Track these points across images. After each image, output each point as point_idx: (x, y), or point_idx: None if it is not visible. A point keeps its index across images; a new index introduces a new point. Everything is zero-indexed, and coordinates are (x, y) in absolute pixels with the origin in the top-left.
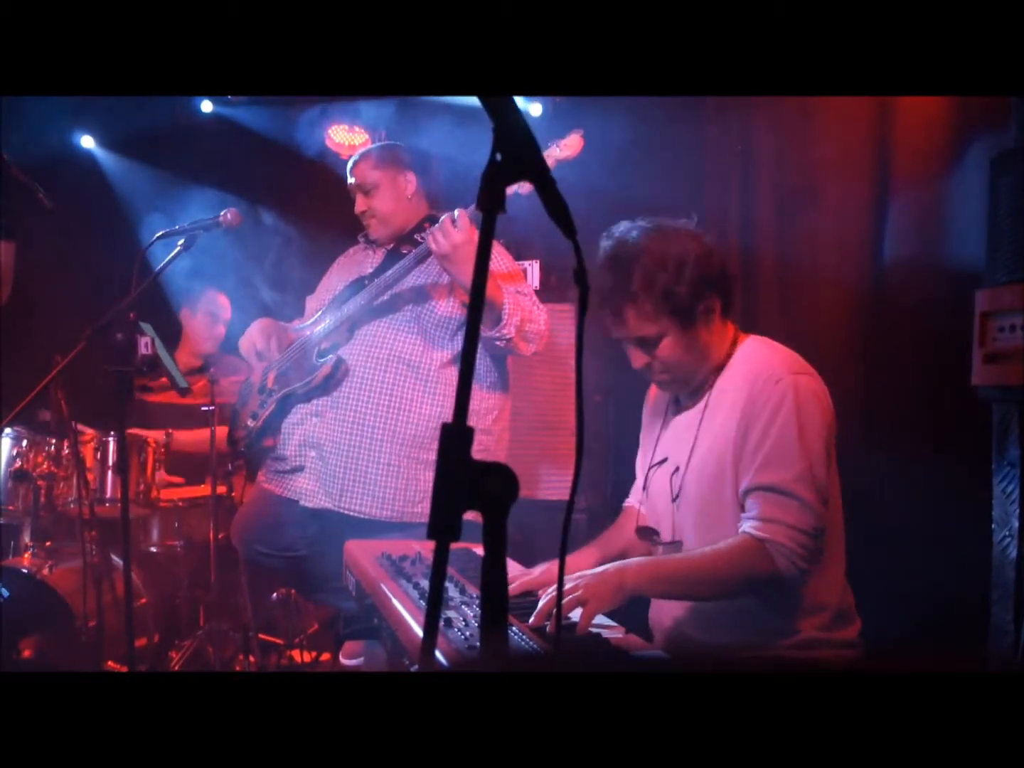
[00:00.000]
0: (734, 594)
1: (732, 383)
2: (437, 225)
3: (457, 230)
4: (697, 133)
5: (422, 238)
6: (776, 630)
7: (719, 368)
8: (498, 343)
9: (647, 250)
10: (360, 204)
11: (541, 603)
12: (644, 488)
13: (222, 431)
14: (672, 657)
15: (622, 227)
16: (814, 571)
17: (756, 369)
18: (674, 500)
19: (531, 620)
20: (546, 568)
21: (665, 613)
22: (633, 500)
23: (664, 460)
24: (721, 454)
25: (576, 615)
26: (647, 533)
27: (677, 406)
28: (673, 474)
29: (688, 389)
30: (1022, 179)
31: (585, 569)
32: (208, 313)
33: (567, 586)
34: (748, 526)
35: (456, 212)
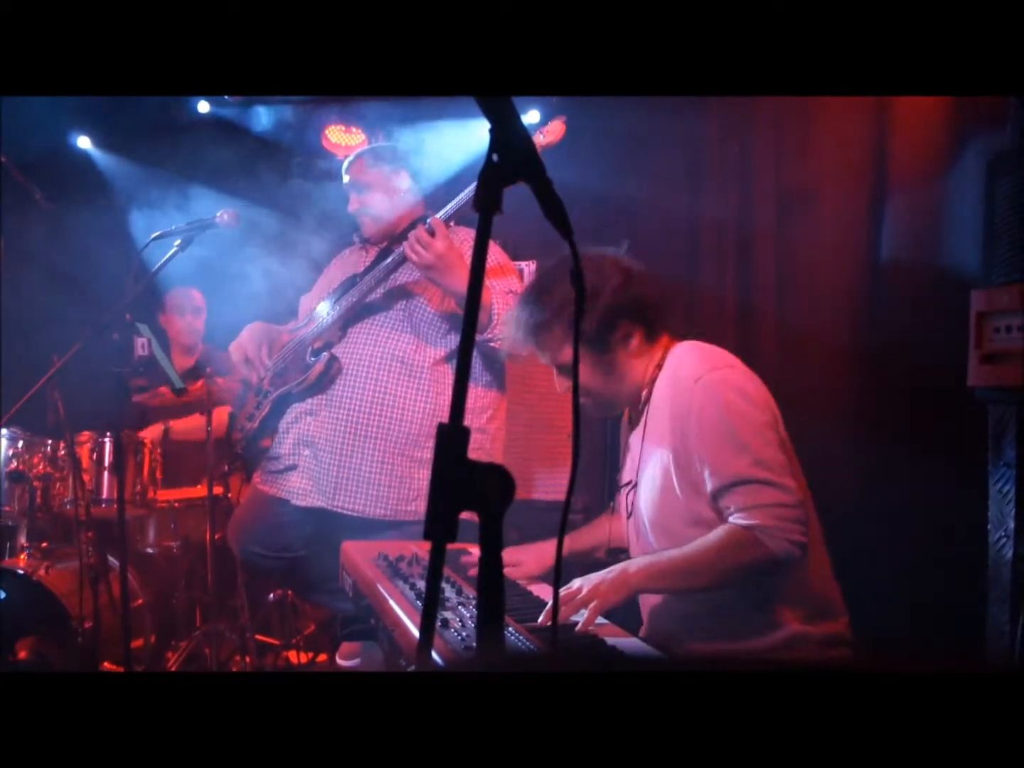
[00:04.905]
0: (734, 583)
1: (660, 392)
2: (412, 238)
3: (436, 239)
4: (696, 133)
5: None
6: (759, 624)
7: (652, 381)
8: (491, 344)
9: (559, 281)
10: (354, 203)
11: (549, 606)
12: (614, 510)
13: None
14: (667, 656)
15: (551, 259)
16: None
17: (677, 373)
18: (629, 517)
19: (539, 621)
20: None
21: (645, 610)
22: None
23: (628, 482)
24: (663, 463)
25: (581, 616)
26: (614, 554)
27: (630, 425)
28: (629, 492)
29: (613, 412)
30: (1019, 180)
31: (544, 557)
32: (182, 309)
33: (572, 588)
34: (732, 519)
35: (429, 221)
